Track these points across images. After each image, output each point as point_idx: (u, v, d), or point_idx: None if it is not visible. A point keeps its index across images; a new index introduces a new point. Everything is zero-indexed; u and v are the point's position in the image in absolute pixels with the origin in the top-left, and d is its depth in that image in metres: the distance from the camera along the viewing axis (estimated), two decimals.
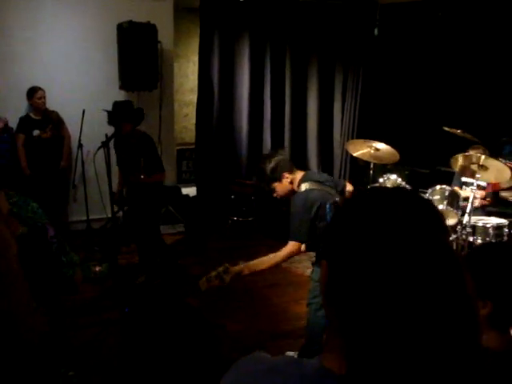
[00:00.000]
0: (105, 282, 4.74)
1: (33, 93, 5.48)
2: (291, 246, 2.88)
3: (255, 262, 2.88)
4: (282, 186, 2.97)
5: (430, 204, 0.72)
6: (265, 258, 2.89)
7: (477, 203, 4.84)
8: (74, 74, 6.02)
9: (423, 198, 0.73)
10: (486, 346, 0.96)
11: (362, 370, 0.66)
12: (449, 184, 5.18)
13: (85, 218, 5.84)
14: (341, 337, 0.70)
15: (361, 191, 0.78)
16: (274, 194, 3.03)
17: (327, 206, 2.80)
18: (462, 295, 0.66)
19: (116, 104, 4.58)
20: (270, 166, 2.92)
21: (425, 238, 0.66)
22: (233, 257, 5.70)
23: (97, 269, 4.99)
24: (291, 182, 2.96)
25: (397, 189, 0.73)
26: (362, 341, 0.65)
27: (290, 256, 2.93)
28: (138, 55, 5.81)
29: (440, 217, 0.71)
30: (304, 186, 2.91)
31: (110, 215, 4.94)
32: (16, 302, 1.29)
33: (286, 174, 2.94)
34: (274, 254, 2.91)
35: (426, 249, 0.66)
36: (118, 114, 4.44)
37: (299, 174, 3.00)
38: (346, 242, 0.69)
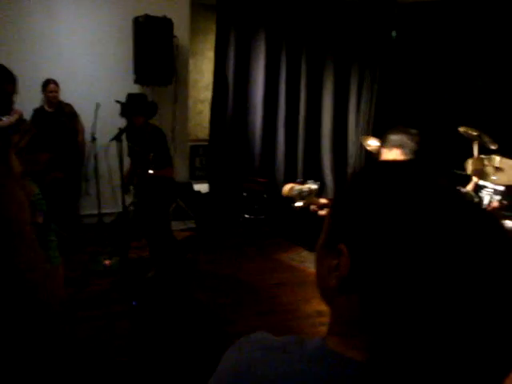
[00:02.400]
0: (114, 276, 4.75)
1: (45, 86, 5.48)
2: None
3: None
4: None
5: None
6: None
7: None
8: (89, 67, 6.02)
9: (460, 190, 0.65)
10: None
11: (388, 360, 0.60)
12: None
13: (97, 211, 5.85)
14: (360, 329, 0.64)
15: (374, 163, 0.69)
16: None
17: None
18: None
19: (130, 96, 4.54)
20: None
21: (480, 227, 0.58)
22: (244, 254, 5.74)
23: (107, 262, 5.01)
24: None
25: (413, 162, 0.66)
26: (394, 335, 0.59)
27: None
28: (154, 49, 5.80)
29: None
30: None
31: (121, 210, 4.95)
32: (31, 263, 1.30)
33: None
34: None
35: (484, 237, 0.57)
36: (131, 106, 4.40)
37: None
38: (378, 219, 0.61)
